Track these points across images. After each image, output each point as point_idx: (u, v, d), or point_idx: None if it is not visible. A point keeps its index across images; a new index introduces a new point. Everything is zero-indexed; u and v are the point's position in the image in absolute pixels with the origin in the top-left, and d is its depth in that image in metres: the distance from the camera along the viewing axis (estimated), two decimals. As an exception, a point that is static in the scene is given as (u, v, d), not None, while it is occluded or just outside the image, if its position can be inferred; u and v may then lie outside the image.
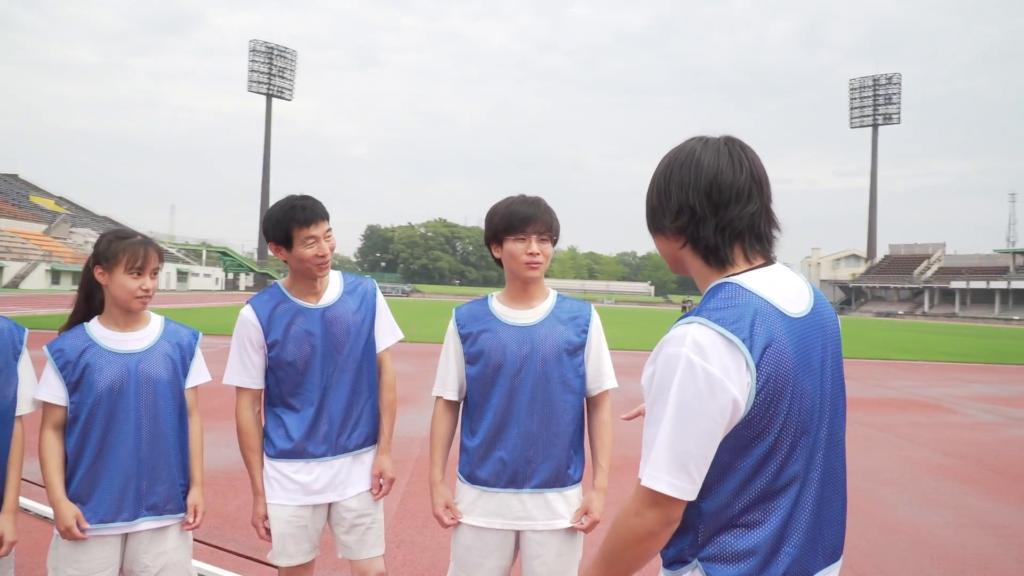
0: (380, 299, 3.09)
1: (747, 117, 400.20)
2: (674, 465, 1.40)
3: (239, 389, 2.94)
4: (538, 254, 2.60)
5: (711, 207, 1.54)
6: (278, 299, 2.94)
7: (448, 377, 2.76)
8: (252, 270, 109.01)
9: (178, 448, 2.78)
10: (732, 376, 1.39)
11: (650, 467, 1.42)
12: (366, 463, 3.01)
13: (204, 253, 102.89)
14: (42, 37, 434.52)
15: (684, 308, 72.06)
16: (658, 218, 1.62)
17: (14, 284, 63.22)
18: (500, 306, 2.72)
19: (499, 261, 2.71)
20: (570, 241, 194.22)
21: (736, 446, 1.44)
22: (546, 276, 2.79)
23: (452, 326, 2.75)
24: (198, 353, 2.93)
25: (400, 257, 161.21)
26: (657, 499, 1.42)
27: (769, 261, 1.60)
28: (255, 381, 2.93)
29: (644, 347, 23.51)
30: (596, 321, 2.75)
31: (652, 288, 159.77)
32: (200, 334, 2.97)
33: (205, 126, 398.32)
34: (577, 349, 2.66)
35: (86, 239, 79.82)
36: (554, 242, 2.67)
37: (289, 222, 2.80)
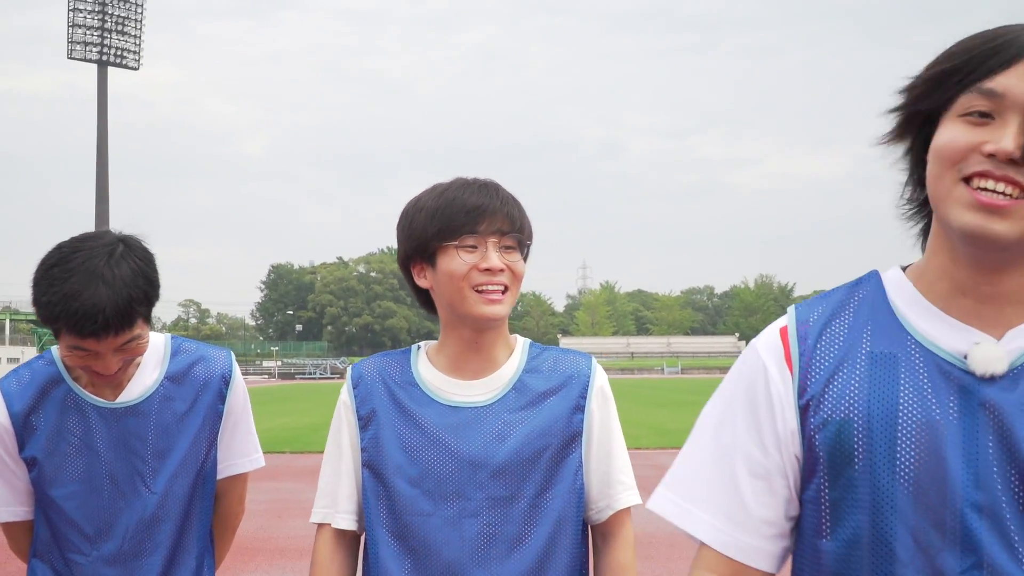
0: (236, 387, 2.09)
1: (888, 55, 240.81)
2: None
3: None
4: (502, 270, 1.65)
5: None
6: (47, 380, 1.96)
7: (340, 489, 1.78)
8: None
9: None
10: None
11: None
12: None
13: (8, 325, 68.86)
14: None
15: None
16: None
17: None
18: (430, 371, 1.76)
19: (424, 297, 1.79)
20: (604, 274, 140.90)
21: None
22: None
23: (345, 397, 1.80)
24: None
25: (326, 314, 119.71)
26: None
27: None
28: (12, 509, 2.00)
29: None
30: (600, 386, 1.77)
31: (742, 343, 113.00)
32: None
33: (6, 121, 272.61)
34: (569, 442, 1.70)
35: None
36: (525, 253, 1.74)
37: (56, 322, 1.77)
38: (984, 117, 0.97)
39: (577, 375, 1.74)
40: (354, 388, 1.77)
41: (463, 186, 1.71)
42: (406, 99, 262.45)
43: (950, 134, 1.04)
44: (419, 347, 1.83)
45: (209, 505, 2.07)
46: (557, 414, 1.70)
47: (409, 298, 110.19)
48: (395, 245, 1.83)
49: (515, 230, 1.68)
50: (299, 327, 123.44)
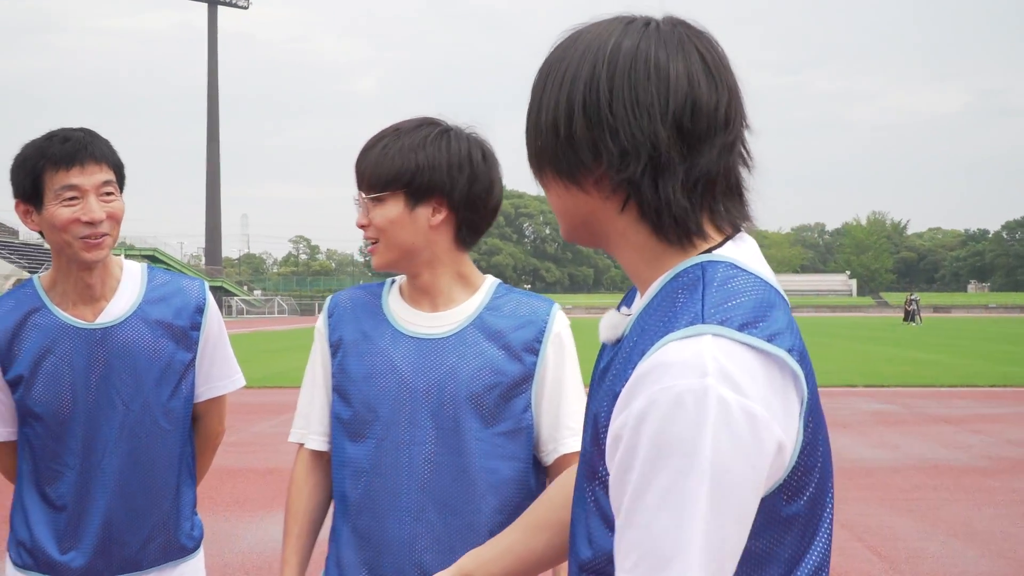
0: (211, 315, 2.14)
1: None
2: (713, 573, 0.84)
3: None
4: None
5: (684, 146, 0.96)
6: (29, 307, 2.04)
7: (313, 412, 1.83)
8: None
9: None
10: (778, 415, 0.88)
11: None
12: None
13: (123, 259, 53.90)
14: None
15: (908, 312, 48.51)
16: (573, 159, 1.00)
17: None
18: (398, 302, 1.78)
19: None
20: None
21: (775, 522, 0.91)
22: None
23: (320, 325, 1.84)
24: None
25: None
26: None
27: (737, 229, 1.02)
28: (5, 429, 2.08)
29: (841, 382, 15.15)
30: (559, 331, 1.76)
31: (853, 282, 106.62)
32: None
33: (119, 60, 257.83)
34: (520, 381, 1.70)
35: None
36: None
37: (39, 160, 1.90)
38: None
39: (536, 319, 1.73)
40: (329, 317, 1.81)
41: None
42: (513, 35, 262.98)
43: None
44: (393, 281, 1.83)
45: (185, 425, 2.11)
46: (511, 353, 1.70)
47: (515, 235, 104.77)
48: (503, 180, 1.80)
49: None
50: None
